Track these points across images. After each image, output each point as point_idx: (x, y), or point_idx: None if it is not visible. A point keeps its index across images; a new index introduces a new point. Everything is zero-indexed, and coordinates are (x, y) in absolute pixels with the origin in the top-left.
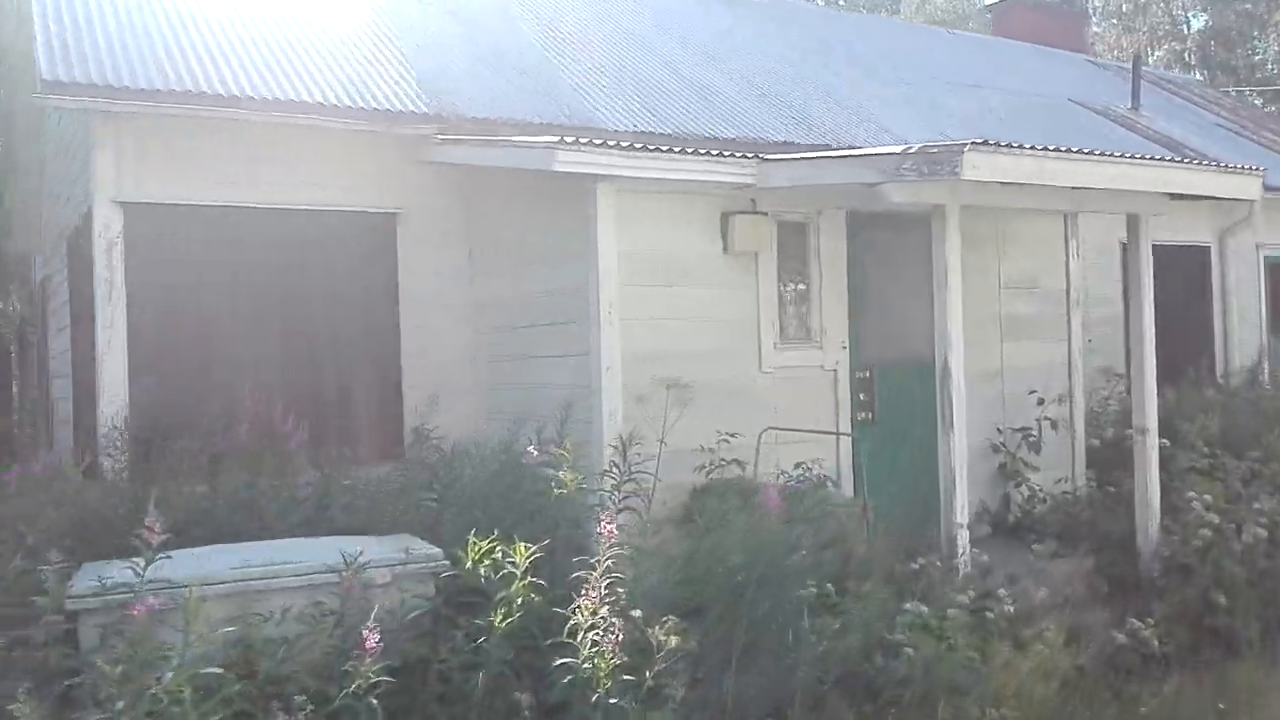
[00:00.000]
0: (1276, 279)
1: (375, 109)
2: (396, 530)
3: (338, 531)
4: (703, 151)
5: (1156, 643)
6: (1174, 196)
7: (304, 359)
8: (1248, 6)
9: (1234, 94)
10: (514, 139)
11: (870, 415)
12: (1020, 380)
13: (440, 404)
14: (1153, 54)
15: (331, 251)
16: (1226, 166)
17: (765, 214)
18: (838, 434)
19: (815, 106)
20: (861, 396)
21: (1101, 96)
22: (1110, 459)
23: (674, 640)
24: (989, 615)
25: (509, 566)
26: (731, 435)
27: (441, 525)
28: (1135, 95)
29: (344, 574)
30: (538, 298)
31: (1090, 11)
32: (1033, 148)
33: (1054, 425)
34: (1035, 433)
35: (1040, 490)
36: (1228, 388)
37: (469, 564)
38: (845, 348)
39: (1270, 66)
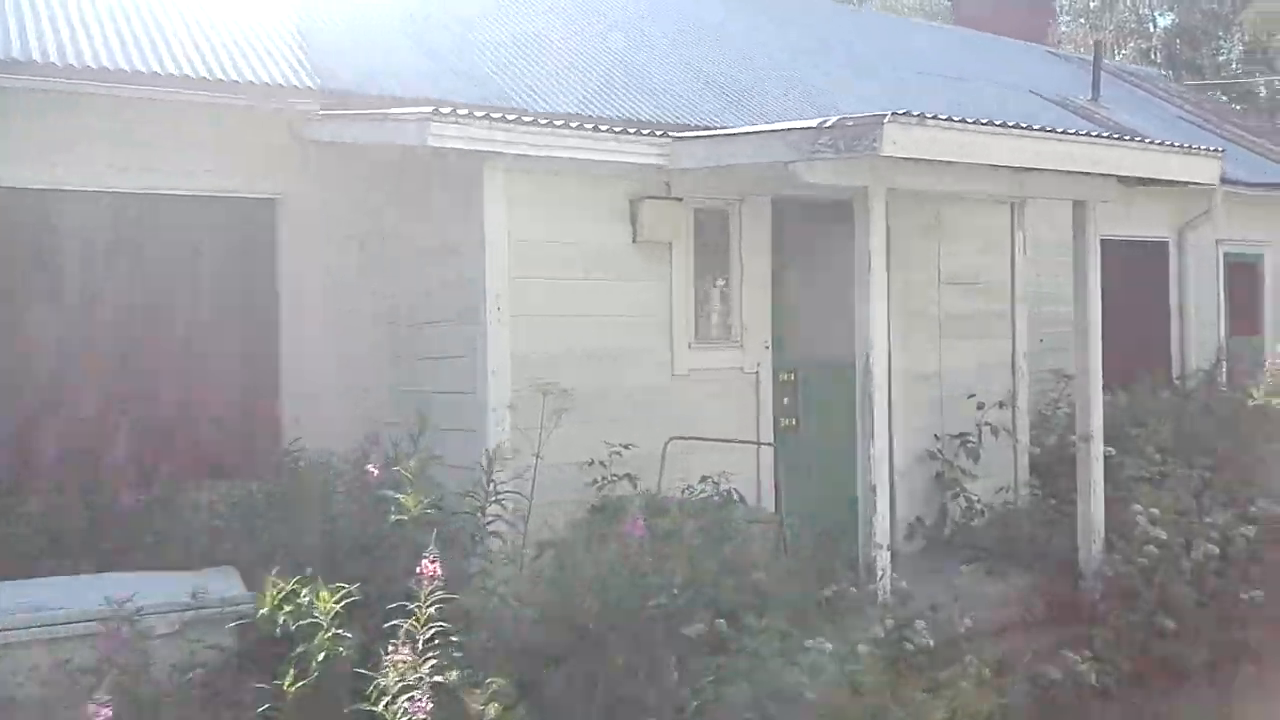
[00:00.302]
0: (1236, 277)
1: (249, 83)
2: (233, 562)
3: (161, 564)
4: (604, 128)
5: (1093, 676)
6: (1124, 182)
7: (167, 364)
8: (1214, 6)
9: (1198, 88)
10: (389, 111)
11: (795, 421)
12: (961, 382)
13: (324, 413)
14: (1119, 52)
15: (202, 243)
16: (1181, 146)
17: (679, 200)
18: (758, 443)
19: (768, 93)
20: (785, 401)
21: (1062, 88)
22: (1055, 467)
23: (493, 709)
24: (908, 648)
25: (314, 614)
26: (626, 447)
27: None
28: (1095, 86)
29: (109, 623)
30: (425, 292)
31: (1058, 9)
32: (961, 120)
33: (994, 431)
34: (974, 439)
35: (979, 501)
36: (1183, 390)
37: (266, 610)
38: (768, 348)
39: (1235, 66)
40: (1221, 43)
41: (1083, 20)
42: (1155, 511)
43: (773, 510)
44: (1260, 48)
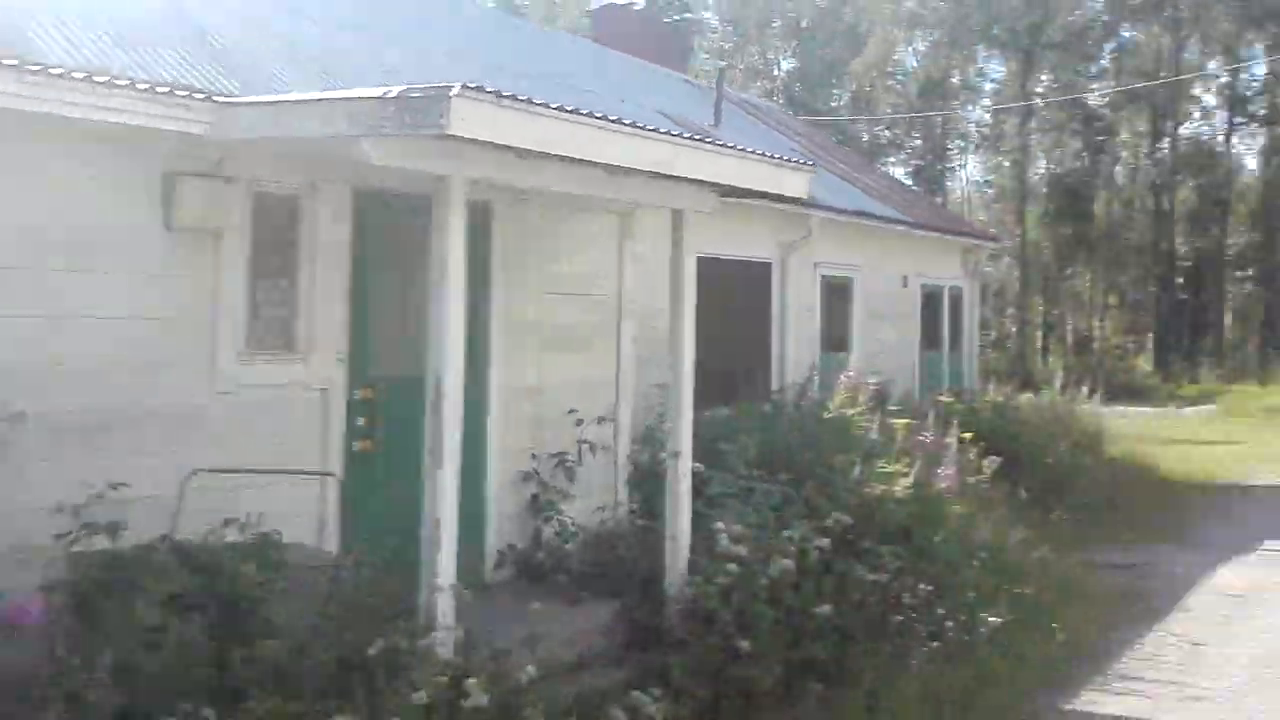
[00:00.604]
0: (832, 297)
1: None
2: None
3: None
4: (123, 81)
5: (659, 715)
6: (722, 193)
7: None
8: (829, 54)
9: (813, 125)
10: None
11: (372, 444)
12: (565, 398)
13: None
14: (749, 88)
15: None
16: (774, 157)
17: (229, 180)
18: (320, 473)
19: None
20: (362, 422)
21: (689, 112)
22: (654, 485)
23: None
24: (463, 706)
25: None
26: (115, 486)
27: None
28: (717, 112)
29: None
30: None
31: (696, 48)
32: (544, 104)
33: (592, 449)
34: (573, 457)
35: (573, 524)
36: (780, 404)
37: None
38: (343, 361)
39: (842, 111)
40: (835, 90)
41: (721, 60)
42: (737, 529)
43: (337, 552)
44: (865, 97)
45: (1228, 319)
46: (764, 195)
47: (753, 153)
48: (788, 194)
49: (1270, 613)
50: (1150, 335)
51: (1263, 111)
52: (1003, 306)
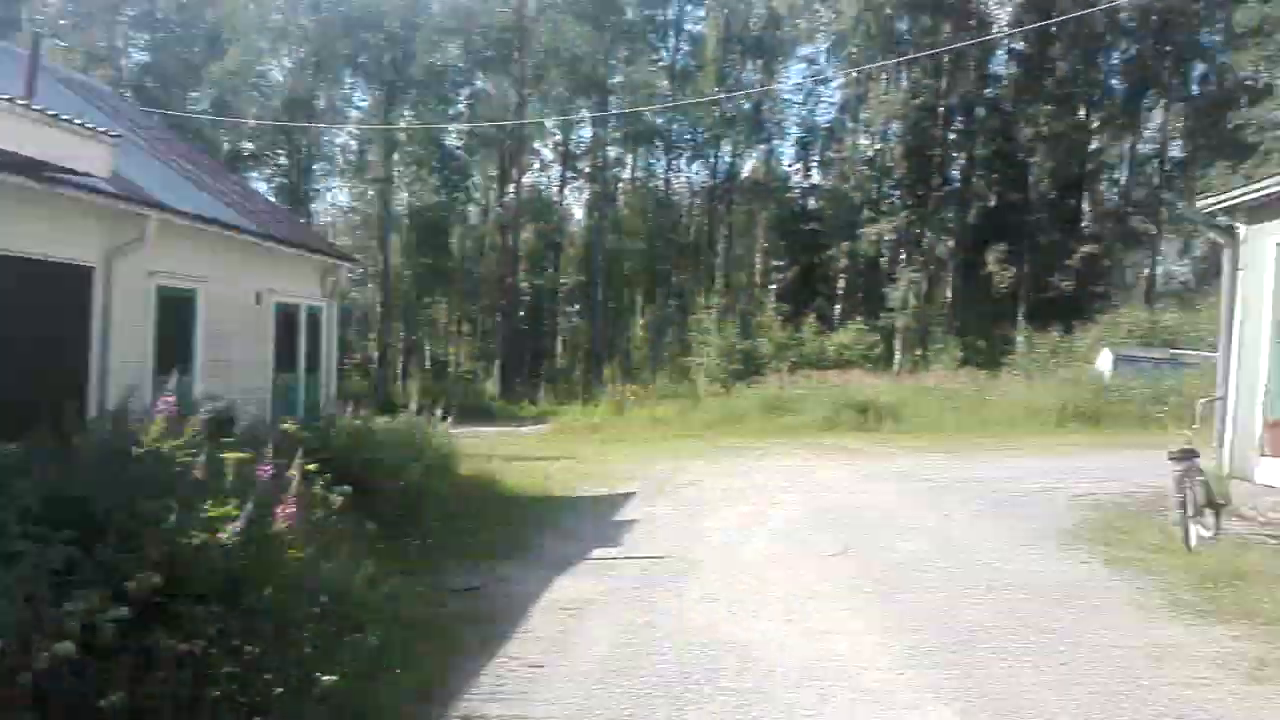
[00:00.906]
0: (168, 311)
1: None
2: None
3: None
4: None
5: None
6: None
7: None
8: (189, 54)
9: (165, 123)
10: None
11: None
12: None
13: None
14: (91, 74)
15: None
16: (63, 119)
17: None
18: None
19: None
20: None
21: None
22: None
23: None
24: None
25: None
26: None
27: None
28: (30, 84)
29: None
30: None
31: (21, 19)
32: None
33: None
34: None
35: None
36: (92, 438)
37: None
38: None
39: (204, 116)
40: (194, 93)
41: (58, 41)
42: None
43: None
44: (226, 105)
45: (560, 348)
46: (67, 178)
47: (22, 104)
48: (80, 171)
49: (599, 623)
50: (497, 361)
51: (588, 169)
52: (367, 331)
